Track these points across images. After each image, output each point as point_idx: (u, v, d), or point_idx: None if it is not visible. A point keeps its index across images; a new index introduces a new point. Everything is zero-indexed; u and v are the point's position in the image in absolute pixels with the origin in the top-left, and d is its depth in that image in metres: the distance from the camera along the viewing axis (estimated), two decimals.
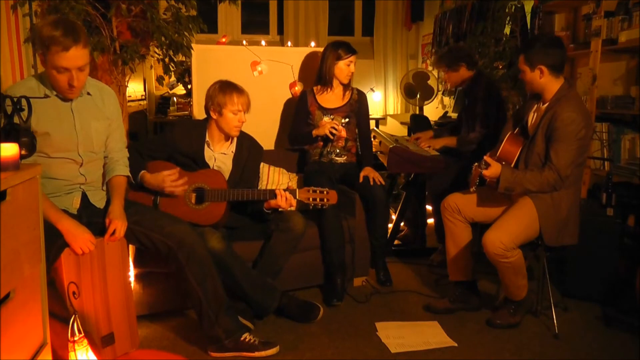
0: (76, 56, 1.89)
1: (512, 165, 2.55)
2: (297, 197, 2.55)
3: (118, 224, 2.11)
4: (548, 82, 2.48)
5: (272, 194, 2.54)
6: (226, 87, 2.60)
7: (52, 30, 1.85)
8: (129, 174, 2.34)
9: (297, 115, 3.17)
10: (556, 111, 2.39)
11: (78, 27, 1.93)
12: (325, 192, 2.54)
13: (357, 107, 3.16)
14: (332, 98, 3.14)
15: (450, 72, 3.43)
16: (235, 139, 2.70)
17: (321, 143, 3.12)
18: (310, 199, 2.54)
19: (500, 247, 2.39)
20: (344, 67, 3.06)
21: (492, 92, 3.33)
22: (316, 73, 3.16)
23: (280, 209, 2.58)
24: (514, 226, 2.44)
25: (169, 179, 2.48)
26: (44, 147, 2.00)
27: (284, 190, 2.53)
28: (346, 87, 3.15)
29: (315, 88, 3.17)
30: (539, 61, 2.45)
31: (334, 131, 2.96)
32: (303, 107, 3.15)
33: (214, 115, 2.61)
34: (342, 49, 3.04)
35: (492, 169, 2.44)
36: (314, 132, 3.05)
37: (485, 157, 2.49)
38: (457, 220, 2.69)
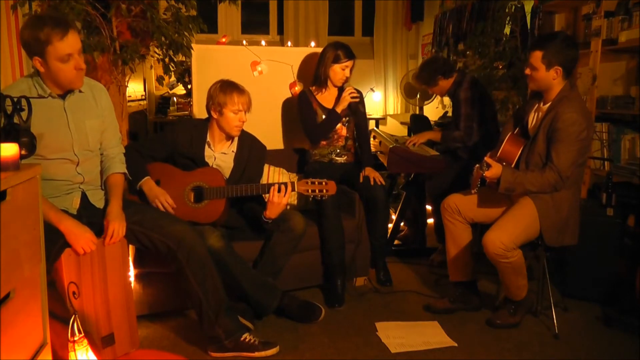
0: (75, 39, 1.96)
1: (513, 165, 2.55)
2: (296, 190, 2.53)
3: (116, 225, 2.11)
4: (557, 84, 2.45)
5: (270, 188, 2.53)
6: (227, 87, 2.60)
7: (42, 27, 1.89)
8: (126, 171, 2.32)
9: (306, 113, 3.13)
10: (558, 112, 2.39)
11: (62, 16, 2.00)
12: (324, 183, 2.52)
13: (355, 106, 3.15)
14: (329, 98, 3.14)
15: (432, 87, 3.46)
16: (236, 139, 2.69)
17: (324, 143, 3.12)
18: (309, 191, 2.52)
19: (500, 247, 2.39)
20: (338, 71, 3.04)
21: (475, 92, 3.34)
22: (313, 72, 3.16)
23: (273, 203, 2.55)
24: (514, 226, 2.43)
25: (166, 199, 2.49)
26: (40, 149, 1.96)
27: (282, 183, 2.53)
28: (341, 88, 3.14)
29: (311, 88, 3.17)
30: (557, 62, 2.38)
31: (354, 94, 2.99)
32: (308, 104, 3.12)
33: (214, 115, 2.61)
34: (342, 52, 3.01)
35: (493, 170, 2.43)
36: (337, 108, 3.02)
37: (485, 158, 2.48)
38: (457, 221, 2.69)
